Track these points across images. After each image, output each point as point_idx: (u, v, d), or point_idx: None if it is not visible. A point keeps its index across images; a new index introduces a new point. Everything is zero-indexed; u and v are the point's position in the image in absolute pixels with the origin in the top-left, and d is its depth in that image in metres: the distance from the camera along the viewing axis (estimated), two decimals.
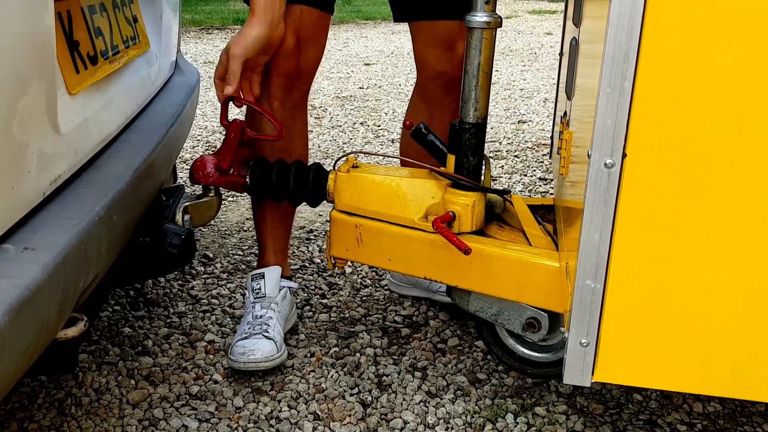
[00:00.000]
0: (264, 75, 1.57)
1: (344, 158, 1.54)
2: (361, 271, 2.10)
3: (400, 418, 1.47)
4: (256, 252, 2.23)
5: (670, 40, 0.93)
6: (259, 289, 1.68)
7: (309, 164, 1.57)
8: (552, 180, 3.00)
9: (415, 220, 1.46)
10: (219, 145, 3.22)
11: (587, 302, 1.04)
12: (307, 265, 2.15)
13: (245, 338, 1.58)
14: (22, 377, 0.94)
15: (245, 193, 1.69)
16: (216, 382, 1.57)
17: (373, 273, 2.09)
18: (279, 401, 1.51)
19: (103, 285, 1.17)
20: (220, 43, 6.60)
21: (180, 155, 3.00)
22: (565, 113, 1.59)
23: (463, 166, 1.44)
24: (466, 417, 1.47)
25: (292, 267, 2.12)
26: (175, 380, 1.57)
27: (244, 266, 2.13)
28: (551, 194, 2.87)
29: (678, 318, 1.04)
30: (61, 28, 1.13)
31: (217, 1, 9.99)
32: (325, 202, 1.56)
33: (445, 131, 1.48)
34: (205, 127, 3.65)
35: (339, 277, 2.06)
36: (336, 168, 1.53)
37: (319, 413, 1.48)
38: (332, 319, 1.84)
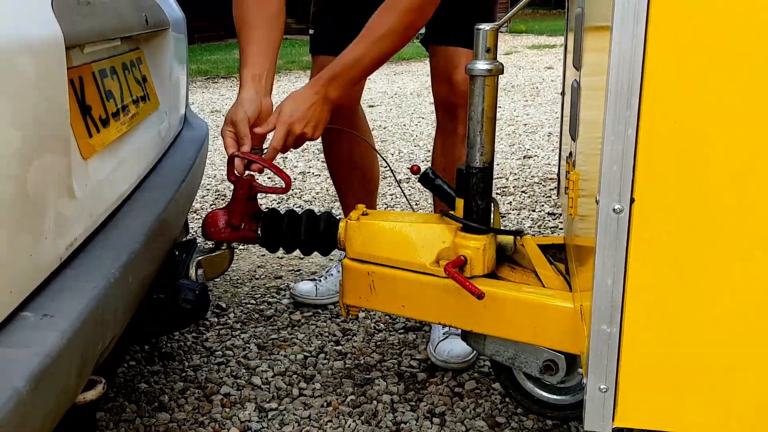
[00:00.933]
0: None
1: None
2: (375, 315, 2.10)
3: None
4: (269, 300, 2.24)
5: (673, 86, 0.95)
6: None
7: (319, 213, 1.58)
8: (561, 215, 3.00)
9: (427, 265, 1.46)
10: (228, 194, 3.25)
11: (604, 347, 1.03)
12: (320, 311, 2.15)
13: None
14: None
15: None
16: None
17: (387, 317, 2.09)
18: None
19: (119, 344, 1.18)
20: (226, 92, 6.69)
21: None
22: (570, 153, 1.60)
23: (471, 210, 1.45)
24: None
25: (305, 314, 2.12)
26: None
27: (257, 315, 2.13)
28: (561, 229, 2.87)
29: (698, 359, 1.03)
30: (74, 95, 1.15)
31: (222, 51, 10.17)
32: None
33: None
34: (214, 176, 3.69)
35: (353, 323, 2.06)
36: (346, 216, 1.54)
37: None
38: (347, 366, 1.83)
